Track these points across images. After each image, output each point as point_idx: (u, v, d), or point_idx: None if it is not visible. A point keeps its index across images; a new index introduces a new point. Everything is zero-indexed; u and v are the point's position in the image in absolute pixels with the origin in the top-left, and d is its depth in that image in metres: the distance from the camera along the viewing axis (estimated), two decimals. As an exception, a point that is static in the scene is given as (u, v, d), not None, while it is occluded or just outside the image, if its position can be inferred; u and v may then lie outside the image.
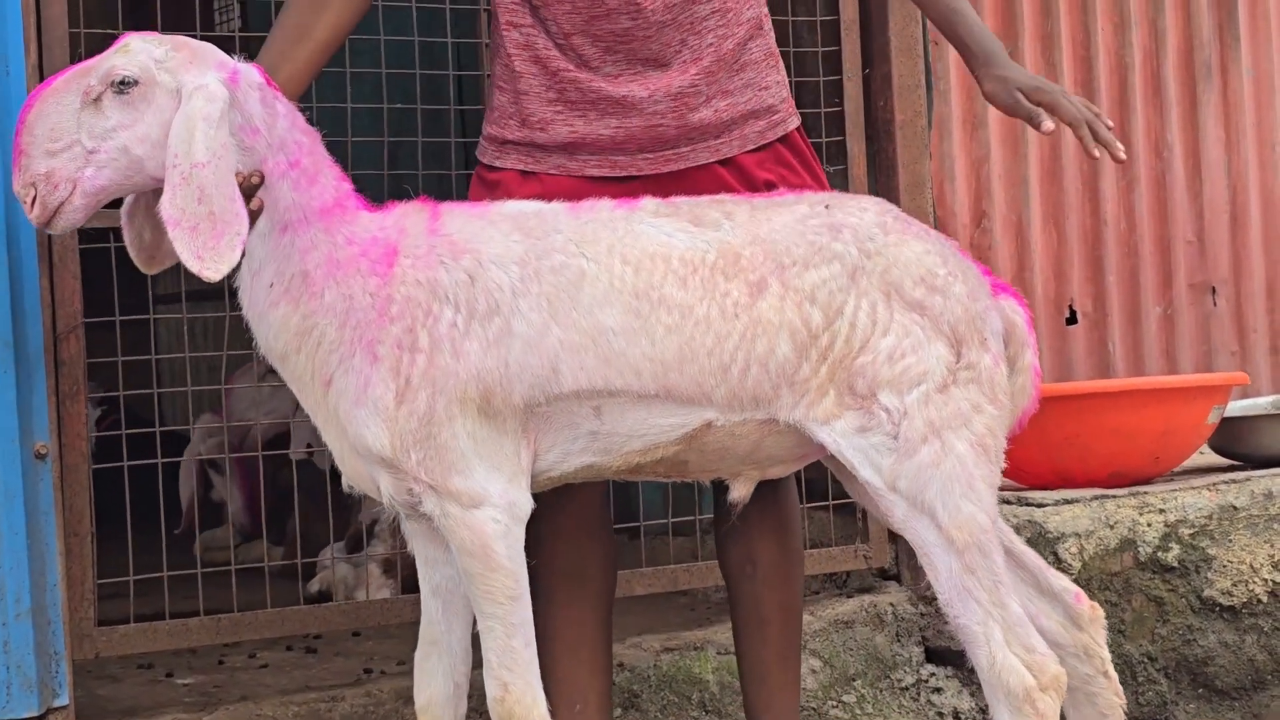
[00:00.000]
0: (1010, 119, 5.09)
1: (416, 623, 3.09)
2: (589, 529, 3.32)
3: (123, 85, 2.77)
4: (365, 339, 2.83)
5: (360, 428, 2.84)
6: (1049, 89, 3.21)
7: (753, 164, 3.28)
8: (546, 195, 3.10)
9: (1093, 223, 5.40)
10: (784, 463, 3.13)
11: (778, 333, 2.95)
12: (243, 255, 2.78)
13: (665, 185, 3.19)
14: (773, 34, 3.34)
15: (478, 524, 2.86)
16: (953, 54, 5.05)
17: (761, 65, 3.30)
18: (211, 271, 2.72)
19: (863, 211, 3.08)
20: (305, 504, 5.09)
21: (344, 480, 3.01)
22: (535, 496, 2.94)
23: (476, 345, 2.86)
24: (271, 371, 5.45)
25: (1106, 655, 3.24)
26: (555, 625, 3.25)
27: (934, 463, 2.97)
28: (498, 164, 3.24)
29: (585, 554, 3.31)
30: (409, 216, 2.93)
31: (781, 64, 3.35)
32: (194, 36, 2.90)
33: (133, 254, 2.95)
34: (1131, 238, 5.47)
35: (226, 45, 2.99)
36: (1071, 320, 5.34)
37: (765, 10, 3.34)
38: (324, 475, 4.99)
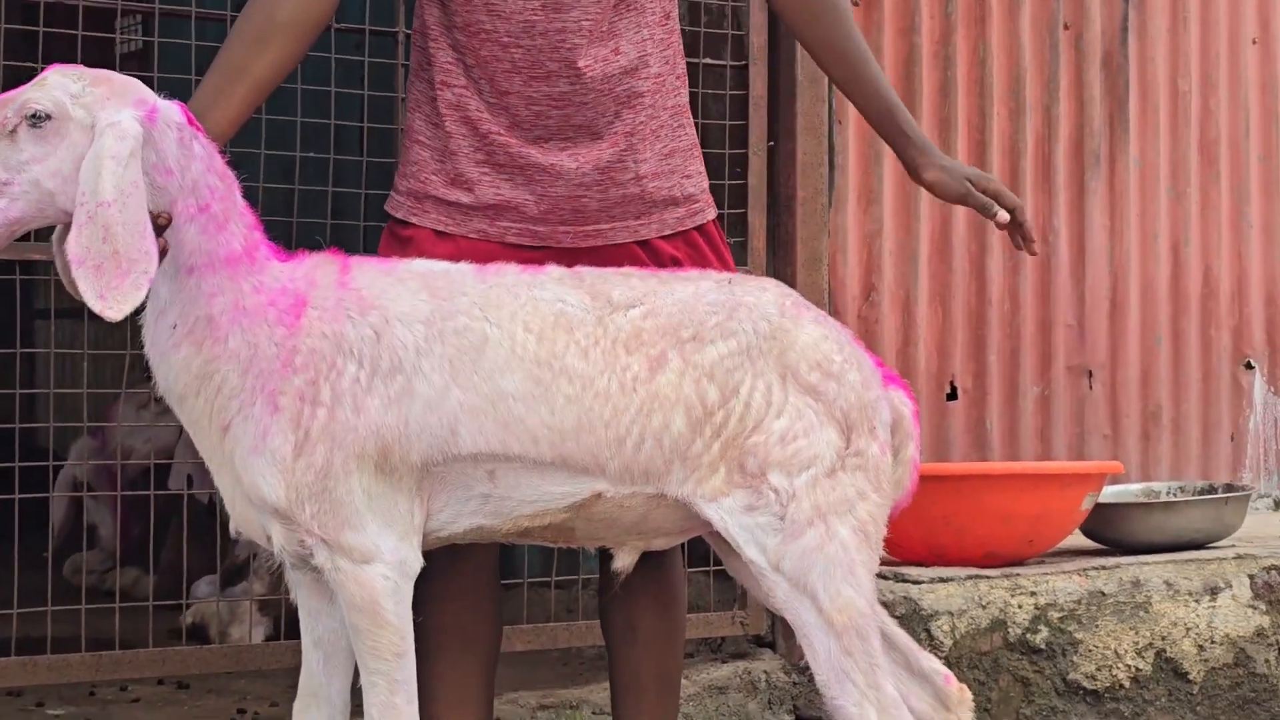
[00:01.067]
0: (904, 199, 5.26)
1: (293, 667, 3.09)
2: (479, 590, 3.33)
3: (35, 119, 2.75)
4: (267, 388, 2.82)
5: (255, 477, 2.83)
6: (993, 178, 3.31)
7: (665, 246, 3.31)
8: (460, 257, 3.11)
9: (978, 302, 5.51)
10: (669, 535, 3.16)
11: (674, 408, 2.98)
12: (147, 295, 2.77)
13: (579, 258, 3.22)
14: (693, 125, 3.38)
15: (368, 580, 2.87)
16: (852, 128, 5.16)
17: (687, 154, 3.33)
18: (114, 311, 2.70)
19: (762, 292, 3.12)
20: (181, 534, 5.08)
21: (231, 525, 3.00)
22: (426, 555, 2.94)
23: (378, 402, 2.86)
24: (156, 400, 5.50)
25: (973, 736, 3.31)
26: (440, 684, 3.26)
27: (818, 546, 3.01)
28: (413, 220, 3.24)
29: (474, 615, 3.32)
30: (319, 268, 2.93)
31: (701, 156, 3.38)
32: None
33: (65, 281, 2.89)
34: (1014, 318, 5.58)
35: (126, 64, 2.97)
36: (952, 396, 5.44)
37: (687, 100, 3.38)
38: (202, 506, 4.99)
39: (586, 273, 3.07)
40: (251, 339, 2.83)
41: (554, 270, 3.06)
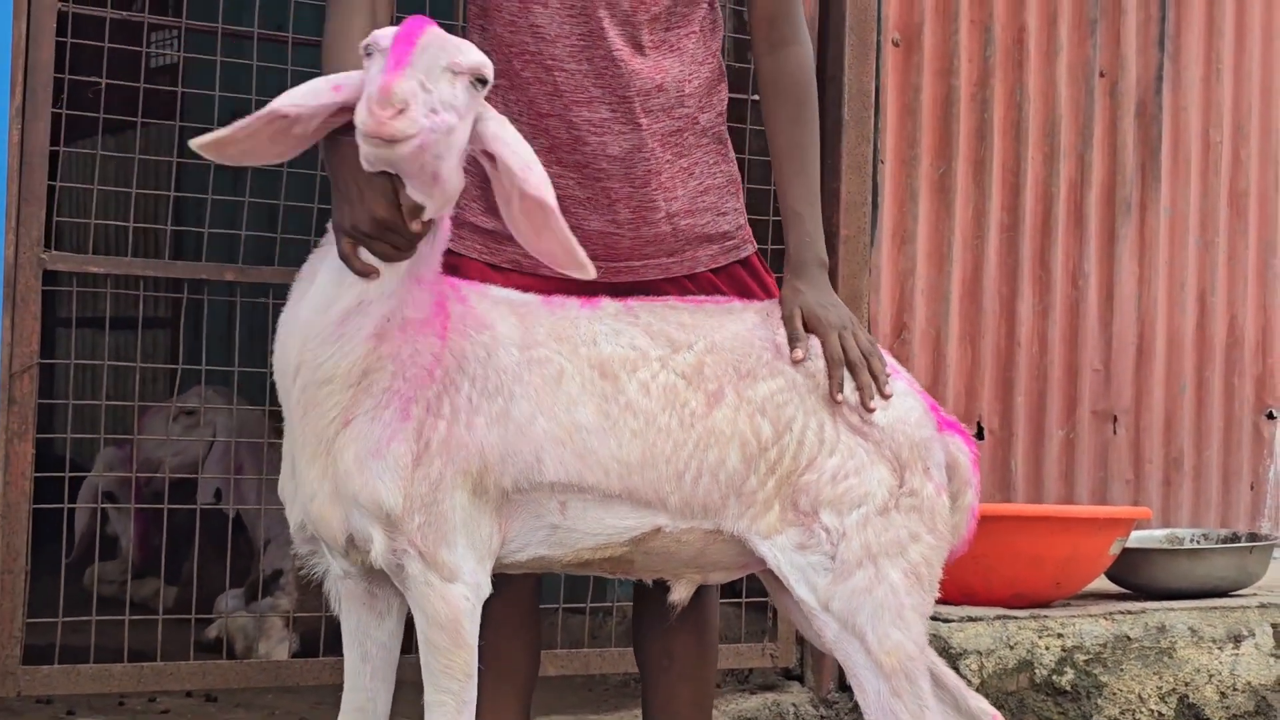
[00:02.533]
0: (938, 239, 5.30)
1: (323, 684, 3.07)
2: (519, 616, 3.36)
3: (480, 83, 2.75)
4: (405, 394, 2.84)
5: (373, 479, 2.83)
6: (827, 322, 3.16)
7: (710, 276, 3.34)
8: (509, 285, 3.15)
9: (1007, 344, 5.55)
10: (726, 569, 3.18)
11: (729, 443, 3.02)
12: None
13: (618, 288, 3.25)
14: (733, 159, 3.38)
15: (453, 598, 2.89)
16: (889, 167, 5.21)
17: (722, 190, 3.34)
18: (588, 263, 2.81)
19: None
20: (205, 547, 5.11)
21: (293, 522, 2.97)
22: None
23: (483, 421, 2.90)
24: (188, 414, 5.52)
25: (1016, 778, 3.35)
26: (479, 709, 3.29)
27: (867, 588, 3.04)
28: (453, 247, 3.26)
29: (513, 640, 3.34)
30: (442, 282, 2.94)
31: (740, 190, 3.38)
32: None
33: (237, 137, 2.79)
34: (1042, 361, 5.63)
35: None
36: (979, 436, 5.48)
37: (726, 134, 3.37)
38: (226, 520, 5.02)
39: (640, 308, 3.11)
40: (419, 347, 2.85)
41: (609, 305, 3.09)
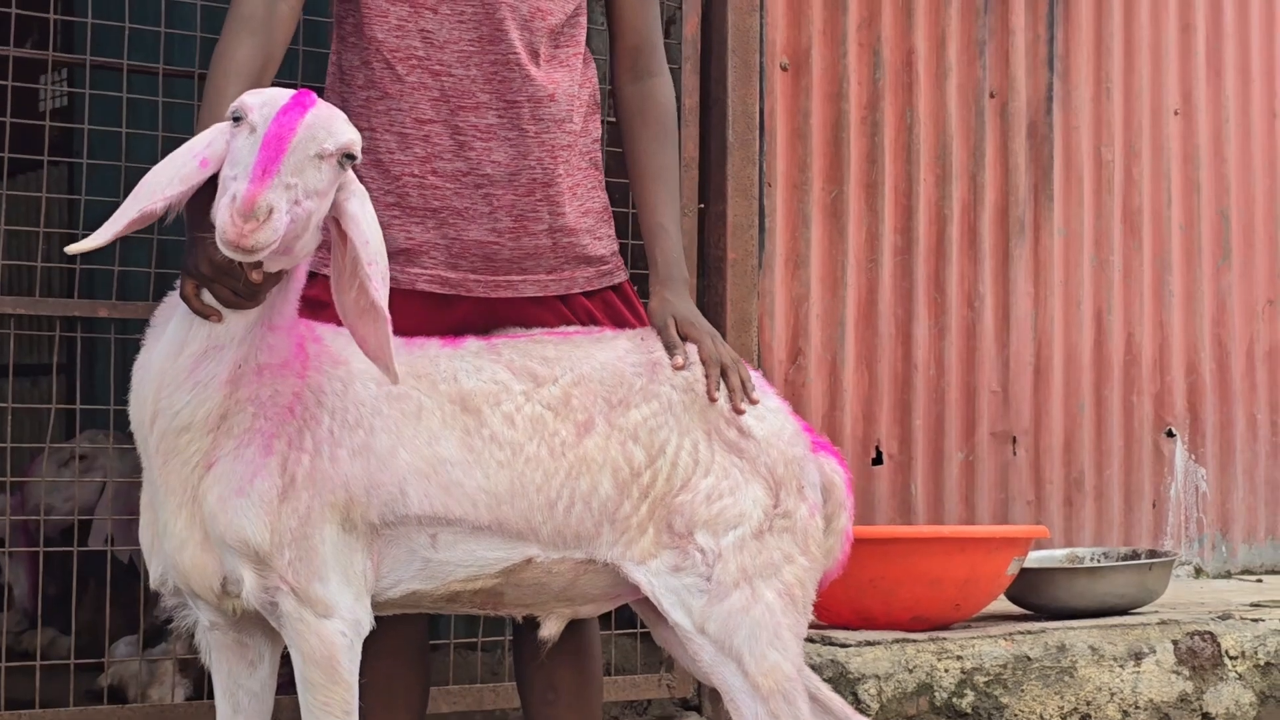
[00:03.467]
0: (831, 263, 5.28)
1: (215, 728, 3.04)
2: (409, 650, 3.33)
3: (347, 159, 2.72)
4: (266, 432, 2.81)
5: (238, 516, 2.79)
6: (700, 327, 3.20)
7: (585, 302, 3.31)
8: None
9: (904, 367, 5.53)
10: (595, 601, 3.16)
11: (601, 470, 3.01)
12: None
13: (495, 308, 3.22)
14: (604, 189, 3.39)
15: (328, 635, 2.86)
16: (781, 192, 5.18)
17: (599, 215, 3.34)
18: (397, 372, 2.78)
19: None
20: (99, 595, 5.01)
21: (155, 576, 2.94)
22: None
23: (345, 453, 2.88)
24: (81, 459, 5.43)
25: (902, 802, 3.31)
26: None
27: (744, 609, 3.02)
28: (322, 270, 3.19)
29: (403, 674, 3.32)
30: (298, 325, 2.92)
31: (612, 219, 3.39)
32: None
33: (115, 235, 2.74)
34: (940, 384, 5.61)
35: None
36: (877, 461, 5.45)
37: (601, 163, 3.38)
38: (122, 566, 4.92)
39: (503, 345, 3.10)
40: (279, 388, 2.83)
41: (471, 343, 3.08)
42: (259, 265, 2.70)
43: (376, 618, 3.09)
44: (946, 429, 5.61)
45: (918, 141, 5.57)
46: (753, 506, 3.06)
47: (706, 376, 3.11)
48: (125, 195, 2.72)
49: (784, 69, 5.26)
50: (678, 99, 4.10)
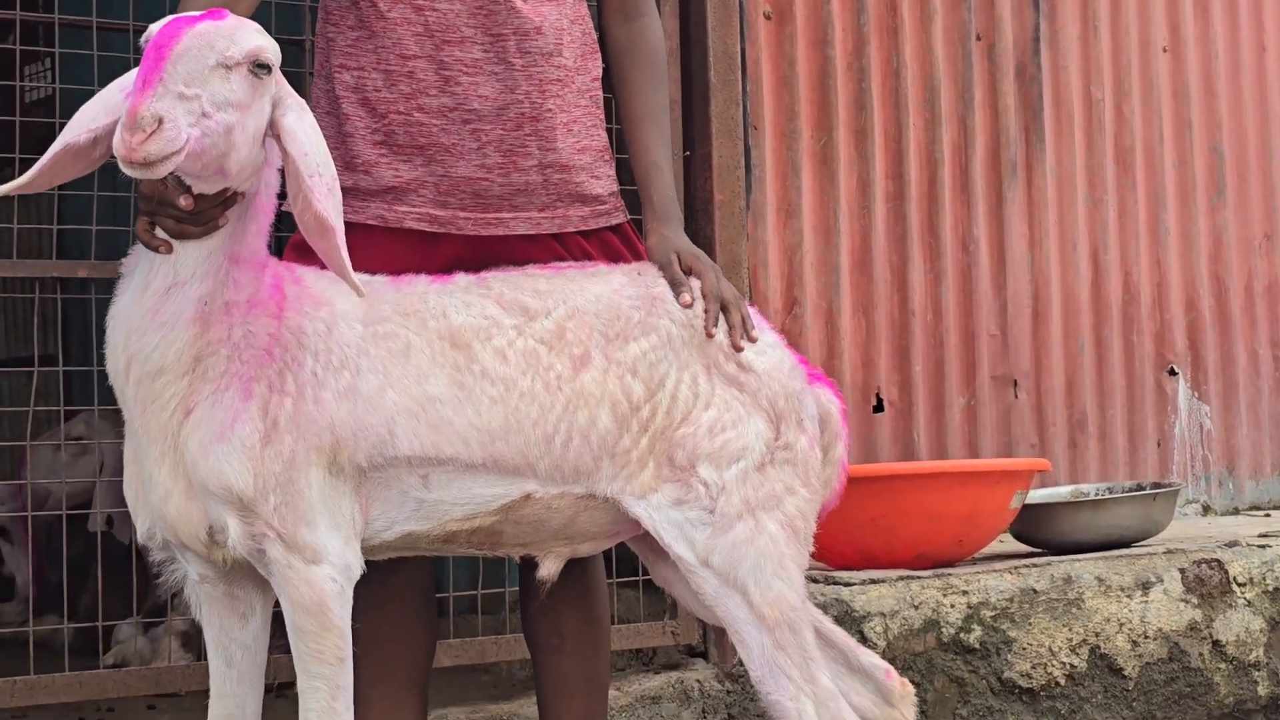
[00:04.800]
0: (824, 211, 5.24)
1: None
2: (413, 598, 3.29)
3: (259, 68, 2.67)
4: (244, 375, 2.77)
5: (220, 462, 2.75)
6: (703, 262, 3.18)
7: (581, 241, 3.28)
8: (362, 262, 3.06)
9: (901, 313, 5.49)
10: (594, 539, 3.13)
11: (599, 404, 2.98)
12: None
13: (488, 246, 3.18)
14: (605, 130, 3.35)
15: (317, 581, 2.81)
16: (770, 141, 5.15)
17: (598, 155, 3.30)
18: (360, 284, 2.72)
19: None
20: (103, 576, 4.99)
21: (140, 531, 2.91)
22: (367, 563, 2.90)
23: (330, 396, 2.84)
24: (76, 439, 5.40)
25: (917, 730, 3.28)
26: (372, 695, 3.21)
27: (748, 539, 3.00)
28: None
29: (410, 625, 3.28)
30: (279, 266, 2.90)
31: (613, 161, 3.35)
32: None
33: (41, 173, 2.74)
34: (938, 329, 5.57)
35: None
36: (878, 408, 5.42)
37: (601, 102, 3.35)
38: (121, 549, 4.90)
39: (493, 279, 3.06)
40: (253, 329, 2.79)
41: (461, 279, 3.04)
42: (188, 189, 2.68)
43: (379, 565, 3.09)
44: (947, 374, 5.58)
45: (905, 86, 5.53)
46: (755, 439, 3.04)
47: (706, 311, 3.08)
48: None
49: (767, 17, 5.23)
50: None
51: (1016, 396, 5.73)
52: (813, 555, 4.36)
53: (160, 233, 2.73)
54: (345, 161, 3.16)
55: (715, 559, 3.00)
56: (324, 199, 2.70)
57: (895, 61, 5.52)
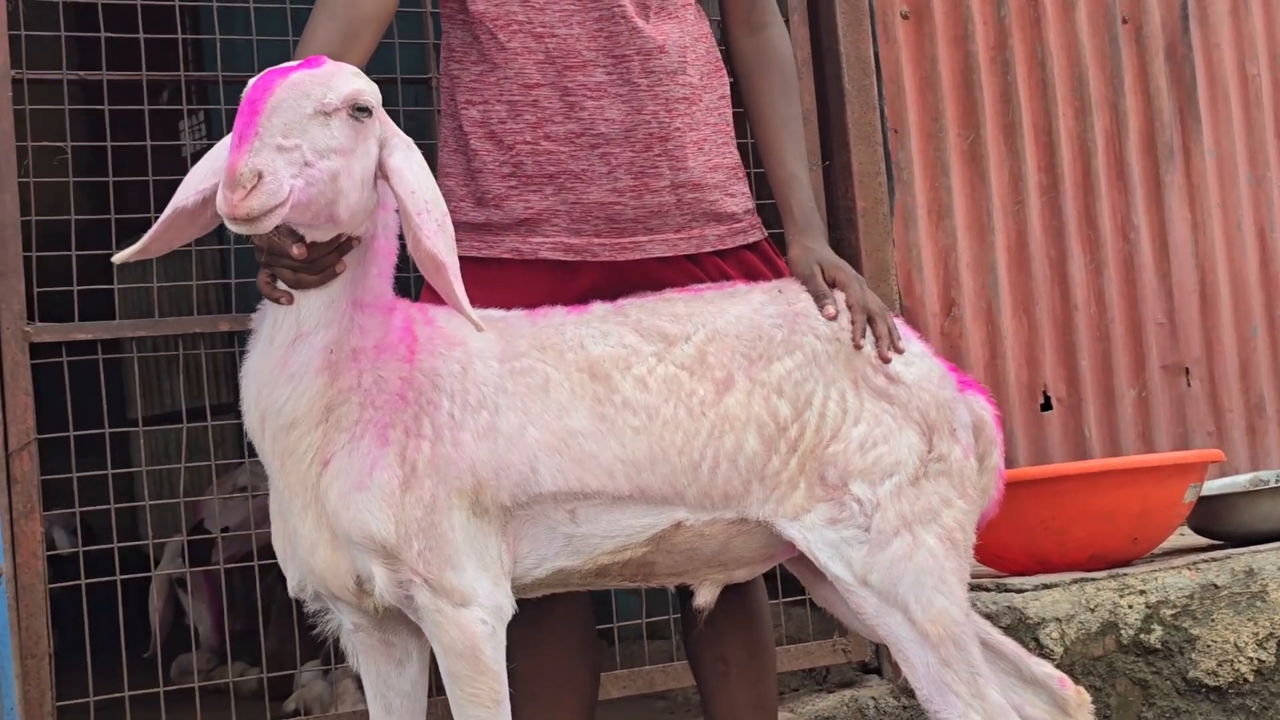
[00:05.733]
0: (976, 210, 5.14)
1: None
2: (574, 635, 3.27)
3: (360, 111, 2.66)
4: (378, 422, 2.76)
5: (361, 512, 2.74)
6: (847, 273, 3.13)
7: (719, 261, 3.23)
8: (500, 297, 3.05)
9: (1063, 307, 5.37)
10: (749, 565, 3.09)
11: (745, 427, 2.93)
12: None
13: (624, 272, 3.14)
14: (735, 147, 3.30)
15: (467, 624, 2.79)
16: (915, 142, 5.06)
17: (731, 172, 3.25)
18: (478, 320, 2.70)
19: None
20: (280, 622, 5.03)
21: (292, 583, 2.91)
22: (519, 602, 2.88)
23: (469, 437, 2.81)
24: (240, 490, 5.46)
25: (1095, 741, 3.19)
26: None
27: (906, 555, 2.94)
28: None
29: (570, 660, 3.25)
30: (410, 308, 2.89)
31: (746, 178, 3.30)
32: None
33: (155, 239, 2.77)
34: (1102, 321, 5.43)
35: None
36: (1046, 406, 5.30)
37: (731, 119, 3.30)
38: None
39: (630, 306, 3.02)
40: (383, 374, 2.78)
41: (598, 308, 3.01)
42: (301, 239, 2.67)
43: (535, 604, 3.07)
44: (1115, 367, 5.44)
45: (1052, 77, 5.41)
46: (908, 453, 2.97)
47: (853, 323, 3.02)
48: None
49: (905, 17, 5.13)
50: (789, 51, 4.01)
51: (1189, 385, 5.57)
52: (985, 562, 4.32)
53: (281, 284, 2.73)
54: (476, 197, 3.15)
55: (873, 577, 2.94)
56: (434, 235, 2.67)
57: (1040, 52, 5.40)
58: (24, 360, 3.36)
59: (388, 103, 3.71)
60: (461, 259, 3.12)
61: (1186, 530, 4.71)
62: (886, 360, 3.01)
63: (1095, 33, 5.53)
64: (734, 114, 3.31)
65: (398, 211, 2.77)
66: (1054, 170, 5.39)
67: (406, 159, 2.73)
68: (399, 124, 3.79)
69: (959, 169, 5.20)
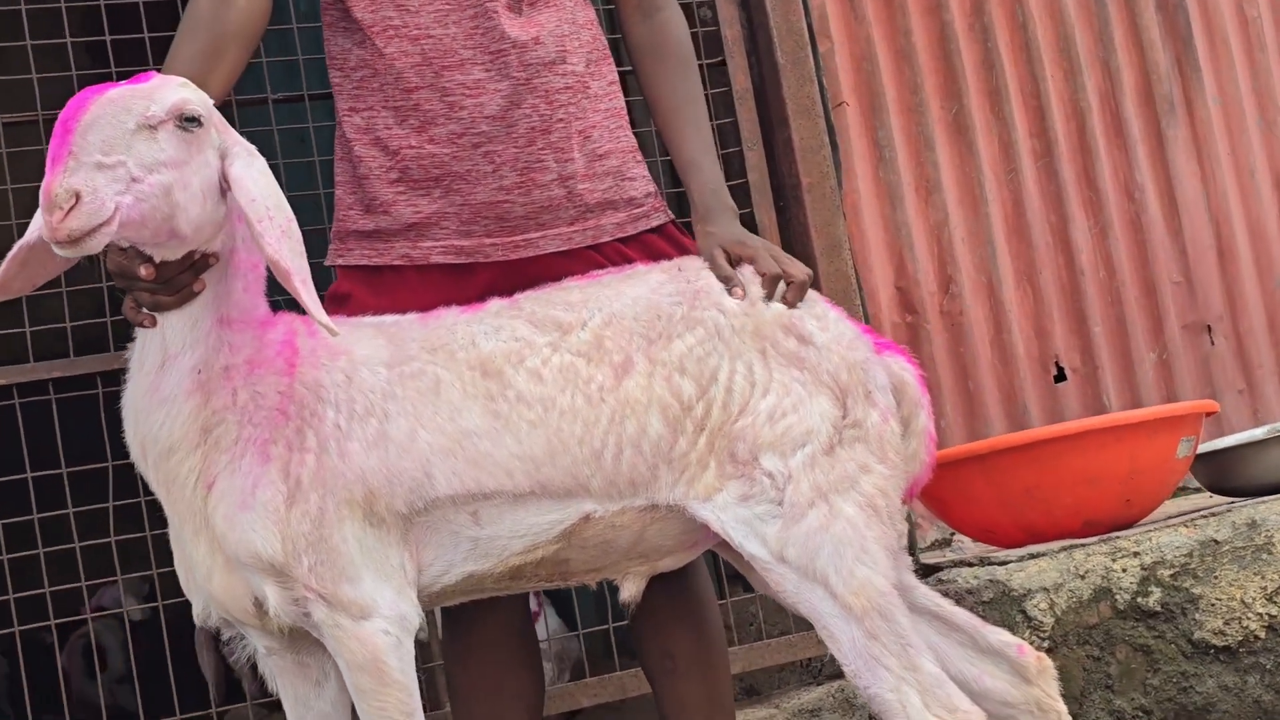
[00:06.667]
0: (967, 181, 5.00)
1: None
2: (511, 639, 3.19)
3: (188, 122, 2.60)
4: (259, 439, 2.70)
5: (247, 532, 2.68)
6: (752, 244, 3.02)
7: (621, 247, 3.14)
8: (396, 303, 3.00)
9: (1069, 274, 5.20)
10: (672, 553, 2.99)
11: (647, 410, 2.84)
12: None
13: (521, 270, 3.06)
14: (630, 130, 3.23)
15: (368, 636, 2.72)
16: (895, 118, 4.94)
17: (626, 156, 3.17)
18: (334, 326, 2.65)
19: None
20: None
21: (196, 611, 2.86)
22: (454, 610, 2.89)
23: (358, 446, 2.75)
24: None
25: (1062, 708, 3.06)
26: None
27: (823, 527, 2.82)
28: (340, 262, 3.13)
29: (510, 664, 3.18)
30: (292, 322, 2.83)
31: (643, 160, 3.23)
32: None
33: (8, 277, 2.73)
34: (1113, 284, 5.26)
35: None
36: (1060, 377, 5.13)
37: (623, 105, 3.23)
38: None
39: (524, 299, 2.95)
40: (260, 389, 2.73)
41: (493, 304, 2.94)
42: (148, 259, 2.62)
43: (466, 614, 3.04)
44: (1130, 331, 5.26)
45: (1035, 39, 5.25)
46: (820, 420, 2.86)
47: (764, 287, 2.94)
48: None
49: (872, -6, 5.02)
50: (718, 30, 3.93)
51: (1213, 343, 5.38)
52: (975, 538, 4.17)
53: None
54: (365, 204, 3.10)
55: (790, 552, 2.83)
56: (276, 242, 2.61)
57: (1020, 14, 5.25)
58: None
59: (262, 121, 3.68)
60: (355, 267, 3.11)
61: (1201, 489, 4.51)
62: (791, 305, 2.93)
63: (1078, -10, 5.37)
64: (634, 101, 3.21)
65: None
66: (1046, 134, 5.24)
67: (247, 166, 2.67)
68: (274, 142, 3.77)
69: (944, 141, 5.07)
